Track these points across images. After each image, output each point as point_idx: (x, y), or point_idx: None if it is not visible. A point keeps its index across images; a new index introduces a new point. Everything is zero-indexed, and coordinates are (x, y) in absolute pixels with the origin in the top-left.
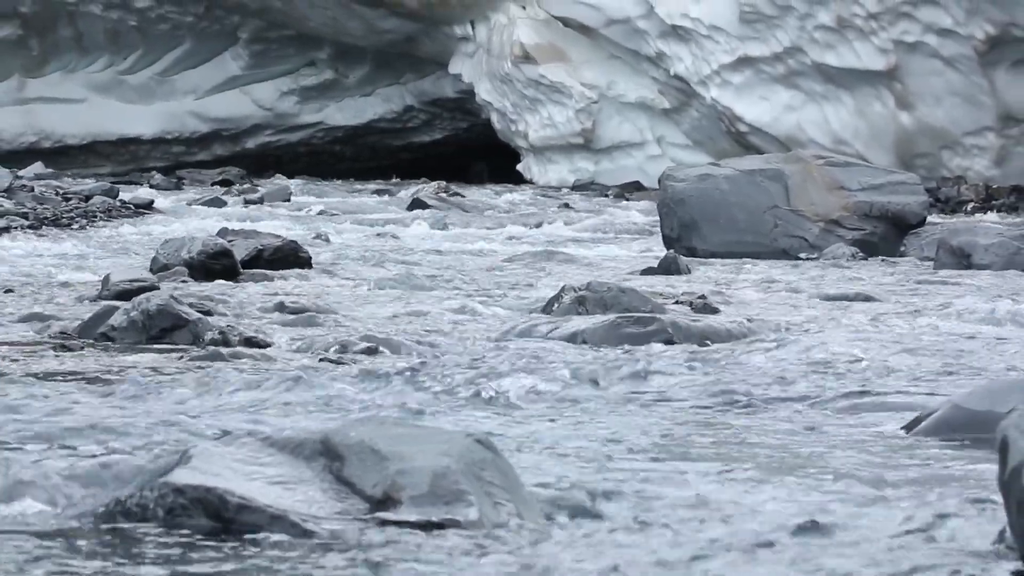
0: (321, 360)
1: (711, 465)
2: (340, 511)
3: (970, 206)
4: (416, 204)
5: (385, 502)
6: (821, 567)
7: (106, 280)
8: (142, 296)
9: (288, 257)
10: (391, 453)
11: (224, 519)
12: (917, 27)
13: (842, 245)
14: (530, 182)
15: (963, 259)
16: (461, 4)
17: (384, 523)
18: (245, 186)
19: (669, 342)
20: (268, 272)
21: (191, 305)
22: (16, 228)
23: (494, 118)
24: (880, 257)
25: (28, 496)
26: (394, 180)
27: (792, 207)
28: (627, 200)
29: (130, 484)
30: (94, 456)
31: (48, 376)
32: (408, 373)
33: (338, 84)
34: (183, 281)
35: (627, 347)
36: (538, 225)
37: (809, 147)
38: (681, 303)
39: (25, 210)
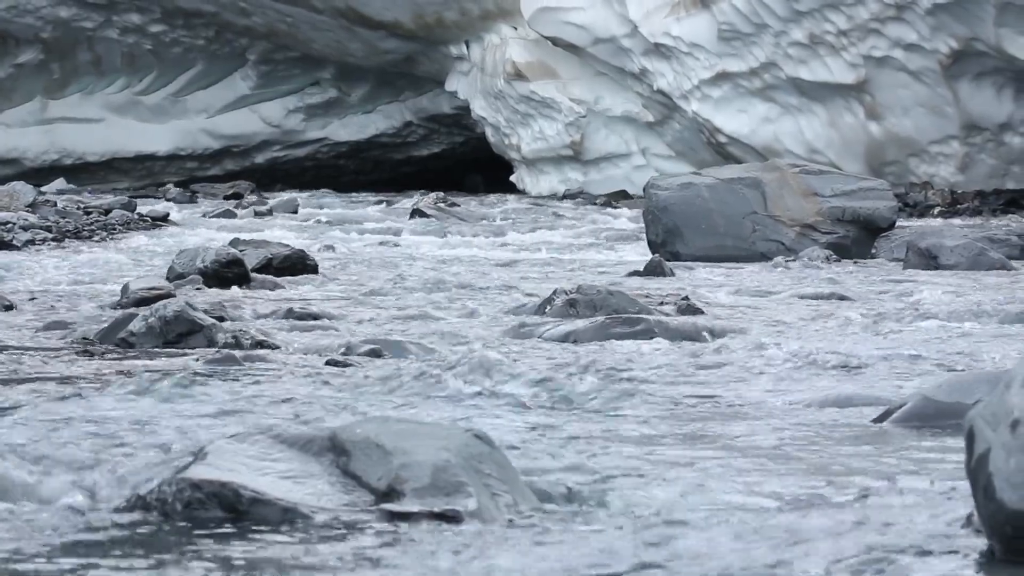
0: (328, 362)
1: (694, 456)
2: (347, 503)
3: (936, 210)
4: (416, 214)
5: (389, 494)
6: (797, 543)
7: (125, 288)
8: (159, 303)
9: (296, 265)
10: (394, 448)
11: (238, 511)
12: (885, 43)
13: (817, 248)
14: (523, 192)
15: (931, 260)
16: (456, 26)
17: (389, 514)
18: (255, 199)
19: None
20: (277, 279)
21: (205, 311)
22: (40, 240)
23: (488, 132)
24: (853, 259)
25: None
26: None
27: (769, 213)
28: (614, 208)
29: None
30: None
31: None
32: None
33: (341, 102)
34: (198, 288)
35: (615, 345)
36: (531, 232)
37: (785, 157)
38: (666, 304)
39: (48, 223)
